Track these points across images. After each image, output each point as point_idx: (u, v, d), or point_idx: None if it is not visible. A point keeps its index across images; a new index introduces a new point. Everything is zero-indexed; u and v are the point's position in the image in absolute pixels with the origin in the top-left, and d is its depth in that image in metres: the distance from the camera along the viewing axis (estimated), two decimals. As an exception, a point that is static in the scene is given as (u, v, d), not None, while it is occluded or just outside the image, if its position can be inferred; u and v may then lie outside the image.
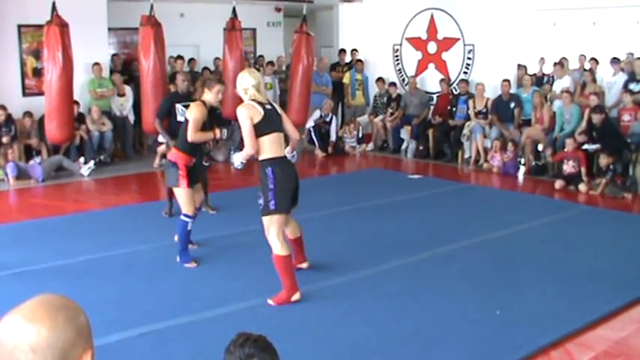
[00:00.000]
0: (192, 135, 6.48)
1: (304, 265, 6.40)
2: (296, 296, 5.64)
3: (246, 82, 5.63)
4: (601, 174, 10.07)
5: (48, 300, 1.45)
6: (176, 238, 6.85)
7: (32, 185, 10.48)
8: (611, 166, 9.93)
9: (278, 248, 5.57)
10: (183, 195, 6.59)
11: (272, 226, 5.59)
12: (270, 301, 5.59)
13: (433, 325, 5.28)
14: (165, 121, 8.13)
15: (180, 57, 13.42)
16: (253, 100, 5.60)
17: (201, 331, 5.12)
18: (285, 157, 5.69)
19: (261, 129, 5.51)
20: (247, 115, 5.50)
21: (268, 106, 5.63)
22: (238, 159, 5.72)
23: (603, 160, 9.99)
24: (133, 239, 7.48)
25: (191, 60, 14.08)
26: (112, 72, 12.87)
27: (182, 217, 6.64)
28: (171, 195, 7.86)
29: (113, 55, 13.43)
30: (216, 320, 5.30)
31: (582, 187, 10.07)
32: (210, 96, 6.64)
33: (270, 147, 5.54)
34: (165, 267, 6.62)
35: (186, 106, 7.47)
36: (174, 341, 4.98)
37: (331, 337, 5.07)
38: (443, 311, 5.56)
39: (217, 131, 6.73)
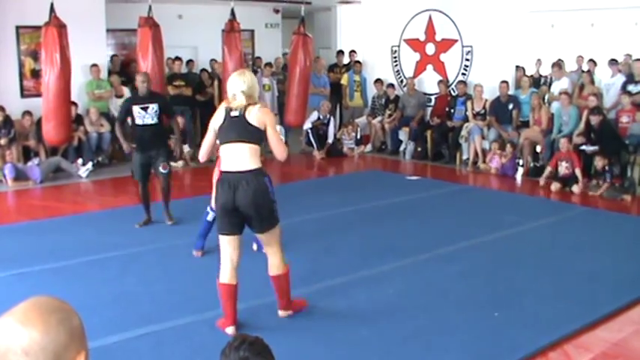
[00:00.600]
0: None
1: (280, 314, 5.44)
2: (229, 330, 5.11)
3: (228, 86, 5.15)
4: (598, 176, 10.08)
5: (41, 302, 1.45)
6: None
7: (30, 187, 10.48)
8: (606, 168, 9.94)
9: (220, 272, 5.17)
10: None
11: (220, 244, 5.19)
12: (217, 323, 5.22)
13: (431, 327, 5.29)
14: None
15: (178, 58, 13.43)
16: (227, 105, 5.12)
17: (200, 332, 5.12)
18: (234, 172, 4.94)
19: (219, 137, 5.08)
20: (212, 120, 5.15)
21: (235, 113, 5.01)
22: None
23: (599, 162, 9.99)
24: (131, 241, 7.48)
25: (189, 61, 14.08)
26: (109, 73, 12.87)
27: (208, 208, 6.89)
28: (147, 203, 8.11)
29: (112, 56, 13.44)
30: (215, 321, 5.29)
31: (575, 188, 10.08)
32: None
33: (222, 159, 5.07)
34: (164, 268, 6.63)
35: (145, 108, 7.74)
36: (172, 343, 4.98)
37: (329, 339, 5.07)
38: (441, 313, 5.57)
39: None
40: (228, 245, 5.06)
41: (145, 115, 7.78)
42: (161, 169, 7.86)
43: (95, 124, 12.04)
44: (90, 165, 11.32)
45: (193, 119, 13.68)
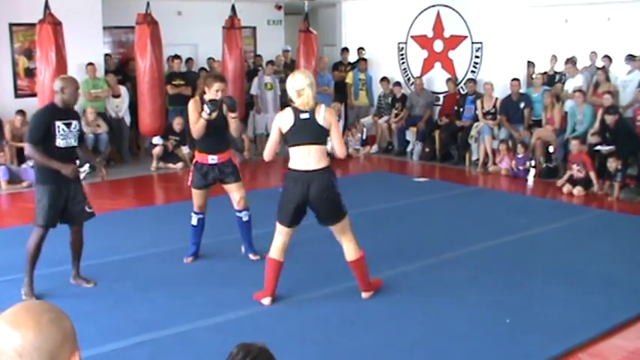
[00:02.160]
0: (192, 131, 6.58)
1: (363, 295, 5.95)
2: (265, 300, 5.79)
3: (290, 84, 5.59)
4: (610, 177, 10.04)
5: (30, 305, 1.48)
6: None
7: (24, 189, 10.49)
8: (619, 168, 9.90)
9: (271, 249, 5.79)
10: (192, 192, 6.87)
11: (276, 229, 5.79)
12: (253, 295, 5.86)
13: (440, 334, 5.28)
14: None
15: (177, 57, 13.44)
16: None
17: (199, 340, 5.12)
18: (307, 171, 5.51)
19: (287, 139, 5.60)
20: (276, 123, 5.65)
21: (305, 115, 5.49)
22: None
23: (613, 163, 9.95)
24: (128, 245, 7.49)
25: (189, 60, 14.09)
26: (106, 72, 12.89)
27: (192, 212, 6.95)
28: (77, 254, 6.34)
29: (105, 55, 13.45)
30: (216, 328, 5.30)
31: (592, 190, 10.08)
32: (208, 95, 6.55)
33: (293, 159, 5.59)
34: (163, 274, 6.63)
35: (68, 125, 5.92)
36: (171, 351, 4.98)
37: (334, 346, 5.07)
38: (450, 319, 5.56)
39: (203, 113, 6.42)
40: (285, 234, 5.73)
41: (69, 133, 5.98)
42: (86, 209, 6.28)
43: (92, 124, 12.05)
44: (86, 167, 11.32)
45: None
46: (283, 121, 5.55)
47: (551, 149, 11.47)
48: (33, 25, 10.19)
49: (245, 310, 5.68)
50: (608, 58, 14.02)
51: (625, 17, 17.50)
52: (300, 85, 5.50)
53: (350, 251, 5.83)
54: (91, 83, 12.29)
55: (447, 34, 13.54)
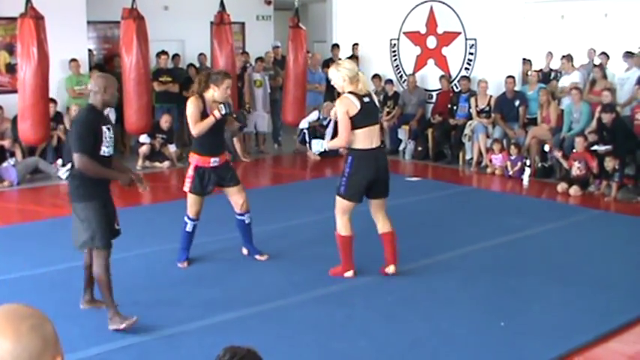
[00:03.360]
0: (194, 129, 6.47)
1: (389, 270, 6.49)
2: (349, 274, 6.44)
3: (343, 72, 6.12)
4: (607, 176, 10.06)
5: (10, 310, 1.45)
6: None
7: (6, 189, 10.44)
8: (616, 167, 9.93)
9: (339, 227, 6.43)
10: (188, 198, 6.74)
11: (338, 206, 6.40)
12: (330, 272, 6.51)
13: (433, 337, 5.28)
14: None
15: (164, 52, 13.40)
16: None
17: (187, 343, 5.11)
18: (374, 149, 6.19)
19: (355, 122, 6.07)
20: (341, 109, 6.08)
21: (367, 99, 6.14)
22: (318, 145, 6.66)
23: (610, 163, 9.97)
24: (113, 246, 7.43)
25: (175, 56, 14.05)
26: (91, 68, 12.84)
27: (185, 218, 6.81)
28: (90, 278, 5.68)
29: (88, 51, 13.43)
30: (204, 331, 5.29)
31: (591, 189, 10.11)
32: (217, 93, 6.46)
33: (360, 139, 6.15)
34: (148, 275, 6.61)
35: (109, 129, 5.34)
36: (158, 354, 4.96)
37: (326, 350, 5.06)
38: (444, 322, 5.56)
39: (215, 111, 6.37)
40: (352, 208, 6.39)
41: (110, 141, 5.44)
42: (116, 225, 5.66)
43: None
44: (70, 166, 11.25)
45: (180, 117, 13.66)
46: (350, 106, 6.05)
47: (546, 148, 11.49)
48: (14, 19, 10.13)
49: (234, 312, 5.67)
50: (605, 55, 14.03)
51: (622, 13, 17.56)
52: (353, 72, 6.13)
53: (386, 224, 6.51)
54: (74, 80, 12.25)
55: (440, 31, 13.54)
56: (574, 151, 10.54)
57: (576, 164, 10.34)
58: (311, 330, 5.40)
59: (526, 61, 13.43)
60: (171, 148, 12.30)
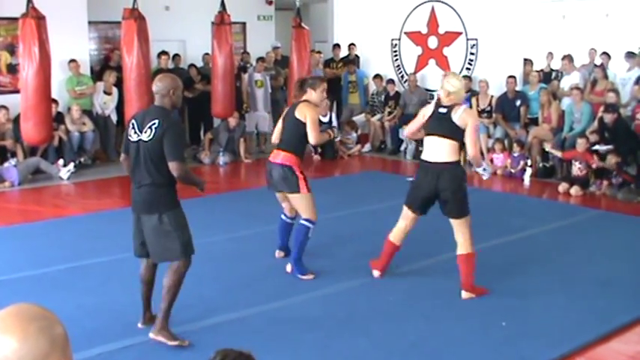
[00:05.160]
0: (314, 137, 6.50)
1: (463, 295, 6.09)
2: (374, 272, 6.51)
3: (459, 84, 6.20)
4: (608, 175, 10.05)
5: (21, 310, 1.45)
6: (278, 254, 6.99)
7: (7, 189, 10.44)
8: (618, 162, 9.91)
9: (393, 231, 6.49)
10: (305, 200, 6.55)
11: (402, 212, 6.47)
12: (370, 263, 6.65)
13: (434, 337, 5.28)
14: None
15: (164, 53, 13.39)
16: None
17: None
18: (439, 163, 6.04)
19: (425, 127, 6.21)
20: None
21: (443, 110, 6.07)
22: (484, 168, 6.55)
23: (612, 160, 9.96)
24: (115, 246, 7.44)
25: (175, 56, 14.04)
26: (92, 70, 12.84)
27: (303, 222, 6.56)
28: (149, 295, 5.53)
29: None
30: (204, 332, 5.29)
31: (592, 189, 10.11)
32: (314, 95, 6.53)
33: (426, 148, 6.23)
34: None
35: None
36: (158, 355, 4.96)
37: (326, 350, 5.06)
38: (445, 322, 5.56)
39: (331, 131, 6.92)
40: (409, 219, 6.39)
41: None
42: None
43: (77, 122, 12.00)
44: (71, 166, 11.28)
45: (181, 117, 13.68)
46: (426, 108, 6.32)
47: (545, 146, 11.46)
48: (15, 19, 10.14)
49: (235, 313, 5.67)
50: (606, 55, 14.01)
51: (624, 13, 17.54)
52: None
53: (461, 246, 6.15)
54: (75, 80, 12.24)
55: (441, 31, 13.55)
56: (576, 149, 10.53)
57: (577, 164, 10.33)
58: (311, 330, 5.40)
59: (527, 61, 13.42)
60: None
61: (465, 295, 6.08)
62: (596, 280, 6.52)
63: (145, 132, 4.92)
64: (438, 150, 6.02)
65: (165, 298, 5.09)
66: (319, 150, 13.12)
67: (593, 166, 10.16)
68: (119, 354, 4.97)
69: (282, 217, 6.98)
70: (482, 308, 5.82)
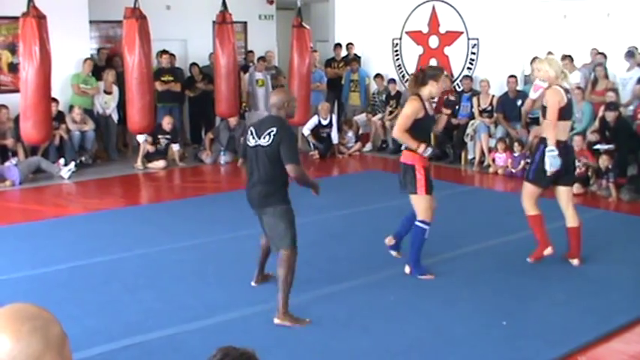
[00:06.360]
0: (398, 132, 6.39)
1: (575, 262, 6.86)
2: (547, 250, 6.85)
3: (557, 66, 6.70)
4: (601, 175, 10.04)
5: (15, 310, 1.44)
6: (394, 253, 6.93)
7: (8, 188, 10.45)
8: (609, 166, 9.89)
9: (526, 209, 6.91)
10: (421, 202, 6.54)
11: (525, 191, 6.92)
12: (530, 258, 6.94)
13: (435, 337, 5.29)
14: None
15: (165, 52, 13.39)
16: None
17: (189, 343, 5.11)
18: (566, 141, 6.72)
19: (562, 114, 6.55)
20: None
21: (569, 95, 6.69)
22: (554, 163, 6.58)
23: (604, 162, 9.94)
24: (116, 246, 7.47)
25: (170, 56, 13.98)
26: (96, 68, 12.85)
27: (418, 224, 6.52)
28: (265, 259, 6.32)
29: (100, 49, 13.43)
30: (206, 331, 5.29)
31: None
32: (434, 88, 6.40)
33: (560, 131, 6.60)
34: (151, 275, 6.61)
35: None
36: (160, 354, 4.97)
37: (327, 349, 5.07)
38: (445, 321, 5.56)
39: (421, 149, 6.34)
40: (537, 194, 6.85)
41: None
42: None
43: (78, 122, 12.01)
44: (72, 165, 11.29)
45: (182, 116, 13.70)
46: (562, 98, 6.54)
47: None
48: (16, 18, 10.13)
49: (236, 312, 5.68)
50: (602, 54, 13.96)
51: (625, 13, 17.51)
52: (561, 67, 6.81)
53: (572, 218, 6.84)
54: (82, 77, 12.26)
55: (442, 30, 13.55)
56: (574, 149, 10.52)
57: (577, 163, 10.31)
58: (312, 329, 5.40)
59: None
60: (175, 148, 12.29)
61: (576, 262, 6.86)
62: (597, 279, 6.52)
63: (264, 138, 5.45)
64: (567, 131, 6.83)
65: (282, 288, 5.52)
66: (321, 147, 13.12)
67: (593, 164, 10.14)
68: (120, 353, 4.98)
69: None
70: (482, 308, 5.82)
